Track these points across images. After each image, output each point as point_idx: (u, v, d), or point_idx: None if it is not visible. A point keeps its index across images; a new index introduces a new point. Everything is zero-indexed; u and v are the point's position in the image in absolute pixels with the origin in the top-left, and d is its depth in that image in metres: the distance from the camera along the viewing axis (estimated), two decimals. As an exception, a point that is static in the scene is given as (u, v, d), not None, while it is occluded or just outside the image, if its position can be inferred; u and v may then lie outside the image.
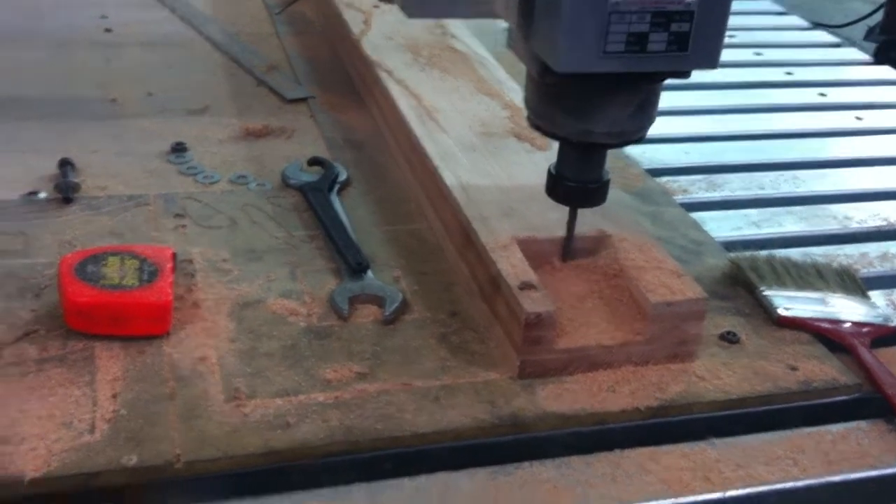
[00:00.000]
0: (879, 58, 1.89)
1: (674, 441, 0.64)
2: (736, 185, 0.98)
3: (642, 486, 0.61)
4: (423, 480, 0.60)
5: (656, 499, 0.60)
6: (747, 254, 0.82)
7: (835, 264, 0.83)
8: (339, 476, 0.60)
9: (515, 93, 0.97)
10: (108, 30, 1.22)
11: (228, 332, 0.70)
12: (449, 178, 0.81)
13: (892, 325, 0.77)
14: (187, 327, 0.70)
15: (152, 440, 0.60)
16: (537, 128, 0.69)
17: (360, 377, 0.66)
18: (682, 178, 0.98)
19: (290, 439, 0.61)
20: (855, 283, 0.81)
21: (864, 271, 0.85)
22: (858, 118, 1.17)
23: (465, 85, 0.99)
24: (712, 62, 0.63)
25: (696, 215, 0.91)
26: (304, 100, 1.07)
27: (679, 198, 0.94)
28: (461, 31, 1.13)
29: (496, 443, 0.64)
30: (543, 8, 0.61)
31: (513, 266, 0.70)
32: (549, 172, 0.71)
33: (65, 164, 0.88)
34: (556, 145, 0.75)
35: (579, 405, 0.65)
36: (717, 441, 0.65)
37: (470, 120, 0.91)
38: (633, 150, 1.01)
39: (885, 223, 0.94)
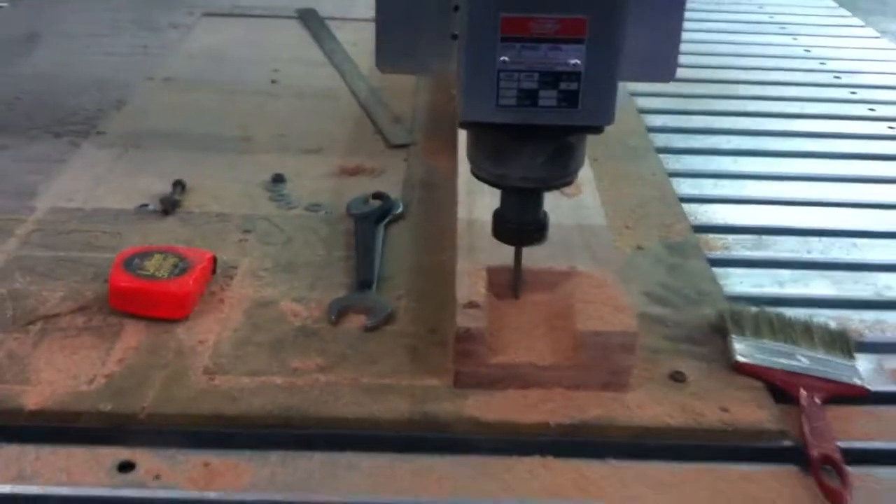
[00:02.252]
0: None
1: (574, 457, 0.70)
2: (783, 247, 0.99)
3: (521, 487, 0.67)
4: (332, 455, 0.70)
5: (530, 499, 0.66)
6: (738, 306, 0.85)
7: (834, 326, 0.84)
8: (271, 444, 0.71)
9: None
10: (273, 81, 1.41)
11: (235, 324, 0.83)
12: (461, 211, 0.90)
13: (855, 384, 0.77)
14: (204, 316, 0.84)
15: (131, 395, 0.74)
16: (473, 173, 0.76)
17: (320, 369, 0.77)
18: (733, 238, 1.01)
19: (237, 408, 0.73)
20: (843, 345, 0.81)
21: (870, 336, 0.85)
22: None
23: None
24: (605, 119, 0.69)
25: (724, 270, 0.94)
26: (406, 146, 1.20)
27: (715, 253, 0.97)
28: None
29: (413, 436, 0.72)
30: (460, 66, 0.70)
31: (468, 288, 0.78)
32: (493, 215, 0.78)
33: (177, 184, 1.06)
34: (582, 194, 0.84)
35: (497, 414, 0.72)
36: (616, 462, 0.69)
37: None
38: (695, 208, 1.05)
39: (926, 295, 0.92)
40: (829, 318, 0.86)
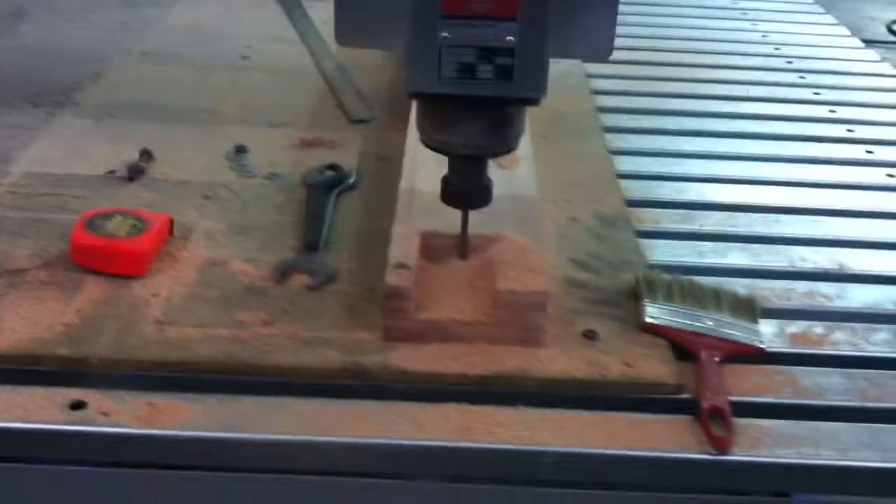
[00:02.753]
0: None
1: (489, 404, 0.77)
2: (709, 221, 1.06)
3: (434, 429, 0.74)
4: (267, 399, 0.76)
5: (441, 439, 0.73)
6: (654, 273, 0.91)
7: (743, 293, 0.90)
8: (212, 388, 0.78)
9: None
10: (244, 57, 1.48)
11: (187, 280, 0.90)
12: (404, 181, 0.97)
13: (753, 345, 0.84)
14: (160, 273, 0.90)
15: (86, 342, 0.80)
16: (422, 141, 0.83)
17: (264, 323, 0.84)
18: (663, 211, 1.07)
19: (182, 355, 0.80)
20: (749, 310, 0.88)
21: (777, 303, 0.91)
22: (890, 175, 1.19)
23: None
24: (537, 91, 0.76)
25: (651, 242, 1.01)
26: (366, 121, 1.26)
27: (644, 226, 1.04)
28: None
29: (343, 384, 0.79)
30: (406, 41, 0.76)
31: (400, 250, 0.85)
32: (441, 180, 0.85)
33: (144, 153, 1.13)
34: (519, 167, 0.91)
35: (420, 365, 0.79)
36: (525, 409, 0.76)
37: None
38: (632, 184, 1.12)
39: (836, 267, 0.98)
40: (742, 286, 0.92)
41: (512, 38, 0.73)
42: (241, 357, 0.79)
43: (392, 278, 0.80)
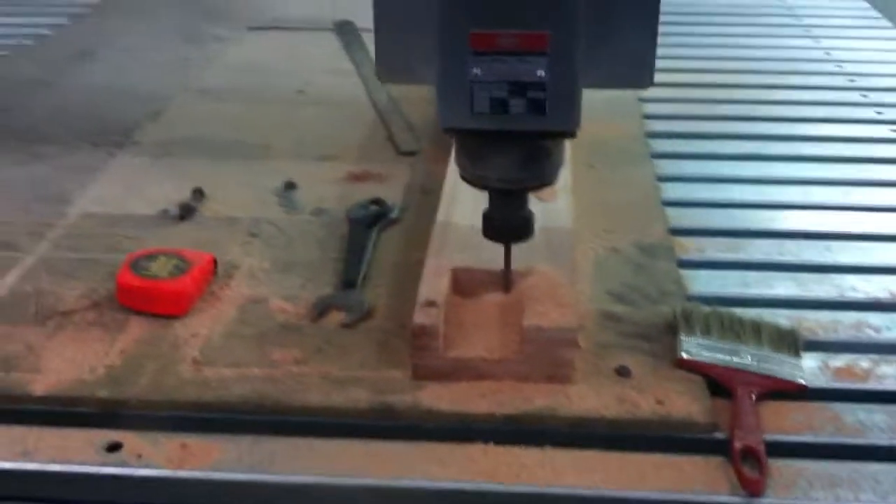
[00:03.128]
0: None
1: (515, 444, 0.76)
2: (756, 250, 1.04)
3: (459, 470, 0.74)
4: (295, 440, 0.77)
5: (465, 481, 0.73)
6: (691, 305, 0.90)
7: (785, 325, 0.88)
8: (245, 429, 0.79)
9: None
10: (300, 91, 1.50)
11: (227, 319, 0.91)
12: (440, 214, 0.97)
13: (793, 380, 0.82)
14: (201, 312, 0.92)
15: (126, 383, 0.83)
16: (461, 176, 0.83)
17: (297, 362, 0.85)
18: (709, 240, 1.06)
19: (216, 395, 0.81)
20: (790, 343, 0.86)
21: (822, 335, 0.89)
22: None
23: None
24: (570, 124, 0.76)
25: (693, 272, 0.99)
26: (414, 153, 1.27)
27: (687, 255, 1.02)
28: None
29: (370, 424, 0.79)
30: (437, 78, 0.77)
31: (430, 287, 0.85)
32: (482, 216, 0.85)
33: (196, 191, 1.16)
34: (557, 199, 0.94)
35: (448, 404, 0.79)
36: (552, 450, 0.76)
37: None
38: (678, 212, 1.10)
39: (888, 296, 0.95)
40: (786, 318, 0.90)
41: (542, 72, 0.74)
42: (272, 397, 0.81)
43: (420, 317, 0.81)
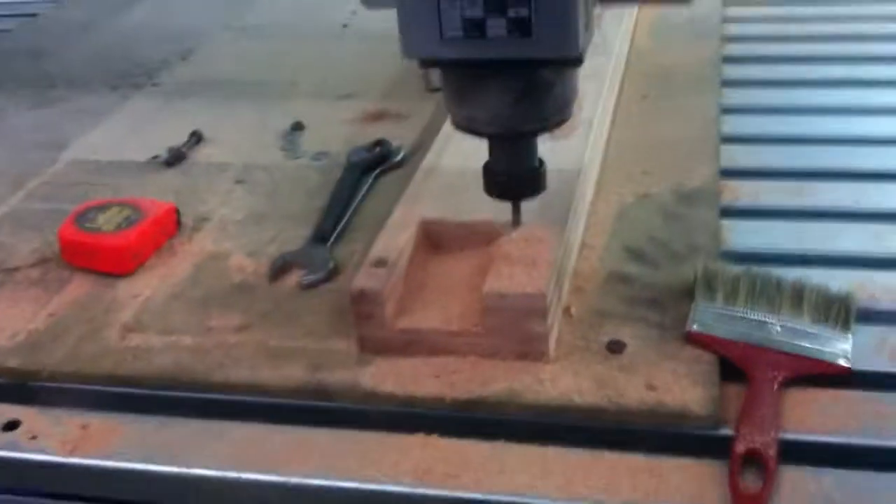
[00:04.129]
0: None
1: (464, 436, 0.62)
2: (827, 196, 0.84)
3: (388, 468, 0.60)
4: (208, 423, 0.65)
5: (389, 483, 0.59)
6: (719, 265, 0.72)
7: (836, 290, 0.69)
8: (156, 407, 0.67)
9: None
10: (345, 25, 1.37)
11: (177, 279, 0.80)
12: (429, 158, 0.82)
13: (833, 361, 0.63)
14: (151, 270, 0.81)
15: (42, 352, 0.72)
16: (451, 122, 0.68)
17: (235, 330, 0.73)
18: (768, 183, 0.86)
19: (132, 368, 0.70)
20: (840, 314, 0.67)
21: (885, 302, 0.70)
22: None
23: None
24: (566, 49, 0.59)
25: (739, 222, 0.81)
26: (445, 89, 1.12)
27: (736, 202, 0.84)
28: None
29: (299, 406, 0.66)
30: None
31: (385, 242, 0.71)
32: (482, 168, 0.70)
33: (193, 135, 1.04)
34: (573, 136, 0.80)
35: (392, 385, 0.65)
36: (505, 444, 0.61)
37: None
38: (737, 149, 0.92)
39: (984, 253, 0.75)
40: (847, 280, 0.71)
41: None
42: (194, 371, 0.69)
43: (362, 279, 0.67)
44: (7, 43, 1.44)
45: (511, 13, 0.59)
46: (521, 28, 0.59)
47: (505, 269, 0.66)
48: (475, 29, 0.60)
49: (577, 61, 0.62)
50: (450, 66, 0.64)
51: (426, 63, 0.65)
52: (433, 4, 0.59)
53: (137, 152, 1.04)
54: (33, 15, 1.57)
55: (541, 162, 0.69)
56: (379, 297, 0.66)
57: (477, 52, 0.61)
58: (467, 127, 0.67)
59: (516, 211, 0.71)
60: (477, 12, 0.59)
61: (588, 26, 0.62)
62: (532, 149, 0.69)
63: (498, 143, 0.68)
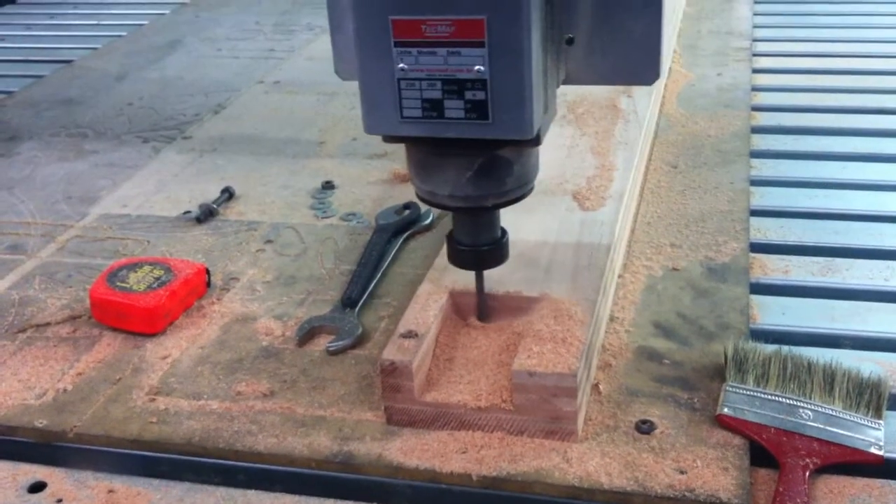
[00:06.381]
0: None
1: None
2: (856, 273, 0.84)
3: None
4: (232, 492, 0.65)
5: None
6: (750, 345, 0.72)
7: (867, 374, 0.69)
8: (182, 473, 0.67)
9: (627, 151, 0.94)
10: (374, 83, 1.38)
11: (205, 341, 0.80)
12: (458, 228, 0.83)
13: (866, 450, 0.63)
14: (180, 330, 0.81)
15: (70, 412, 0.72)
16: (417, 197, 0.69)
17: (262, 395, 0.73)
18: (799, 259, 0.86)
19: (159, 433, 0.70)
20: (872, 399, 0.67)
21: (918, 389, 0.69)
22: None
23: (584, 142, 0.97)
24: (523, 131, 0.60)
25: (769, 299, 0.80)
26: (474, 151, 1.13)
27: (767, 278, 0.83)
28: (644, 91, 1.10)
29: (326, 477, 0.66)
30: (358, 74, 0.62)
31: (415, 313, 0.71)
32: (446, 237, 0.70)
33: (224, 191, 1.05)
34: (604, 206, 0.80)
35: (418, 460, 0.65)
36: (530, 527, 0.60)
37: (549, 175, 0.90)
38: (767, 223, 0.92)
39: None
40: (878, 363, 0.71)
41: (481, 67, 0.58)
42: (220, 438, 0.68)
43: (391, 351, 0.67)
44: (42, 90, 1.46)
45: (468, 95, 0.59)
46: (479, 110, 0.59)
47: (535, 347, 0.66)
48: (433, 109, 0.60)
49: (534, 142, 0.62)
50: (410, 143, 0.65)
51: (389, 139, 0.65)
52: (393, 85, 0.60)
53: (167, 207, 1.05)
54: (69, 61, 1.60)
55: (503, 232, 0.69)
56: (408, 370, 0.66)
57: (436, 131, 0.61)
58: (430, 200, 0.67)
59: (479, 279, 0.71)
60: (435, 94, 0.60)
61: (548, 107, 0.62)
62: (494, 221, 0.69)
63: (460, 216, 0.68)
